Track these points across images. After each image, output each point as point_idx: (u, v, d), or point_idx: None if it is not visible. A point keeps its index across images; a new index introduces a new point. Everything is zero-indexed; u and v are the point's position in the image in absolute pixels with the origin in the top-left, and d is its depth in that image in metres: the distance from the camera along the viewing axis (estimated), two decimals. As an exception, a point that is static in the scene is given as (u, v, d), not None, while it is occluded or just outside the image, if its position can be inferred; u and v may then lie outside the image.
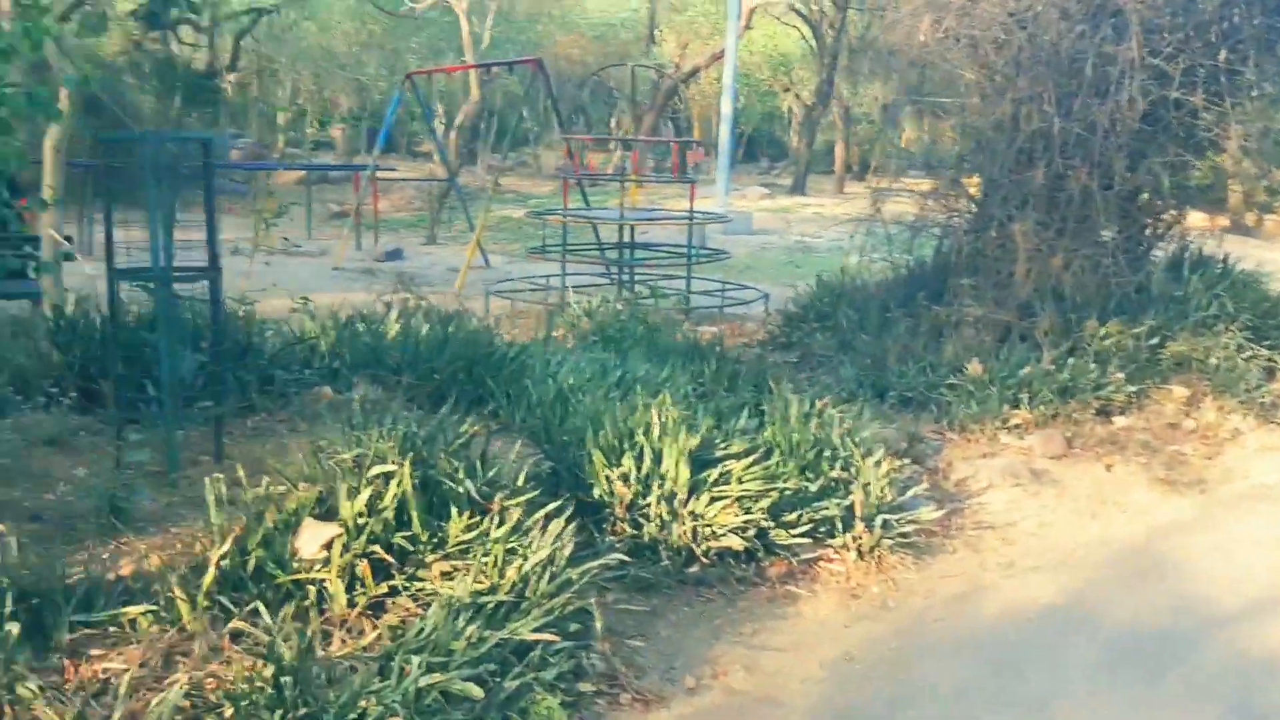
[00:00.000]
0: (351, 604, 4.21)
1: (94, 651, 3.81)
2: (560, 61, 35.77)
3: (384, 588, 4.26)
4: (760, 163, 48.78)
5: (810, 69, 36.31)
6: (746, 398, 6.96)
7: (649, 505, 5.16)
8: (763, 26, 35.54)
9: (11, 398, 5.85)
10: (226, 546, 4.09)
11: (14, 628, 3.62)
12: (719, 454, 5.46)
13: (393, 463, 4.44)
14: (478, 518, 4.45)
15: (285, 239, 12.61)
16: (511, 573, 4.19)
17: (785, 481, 5.48)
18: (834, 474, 5.77)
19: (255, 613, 4.05)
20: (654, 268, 12.86)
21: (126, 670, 3.67)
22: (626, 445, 5.33)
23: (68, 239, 10.87)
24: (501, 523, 4.53)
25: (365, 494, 4.30)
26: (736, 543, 5.14)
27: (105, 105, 25.11)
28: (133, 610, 3.94)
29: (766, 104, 43.39)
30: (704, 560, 5.13)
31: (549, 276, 13.26)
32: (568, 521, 4.55)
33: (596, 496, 5.21)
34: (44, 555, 4.14)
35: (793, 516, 5.42)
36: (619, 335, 8.08)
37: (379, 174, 19.51)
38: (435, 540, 4.39)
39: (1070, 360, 8.16)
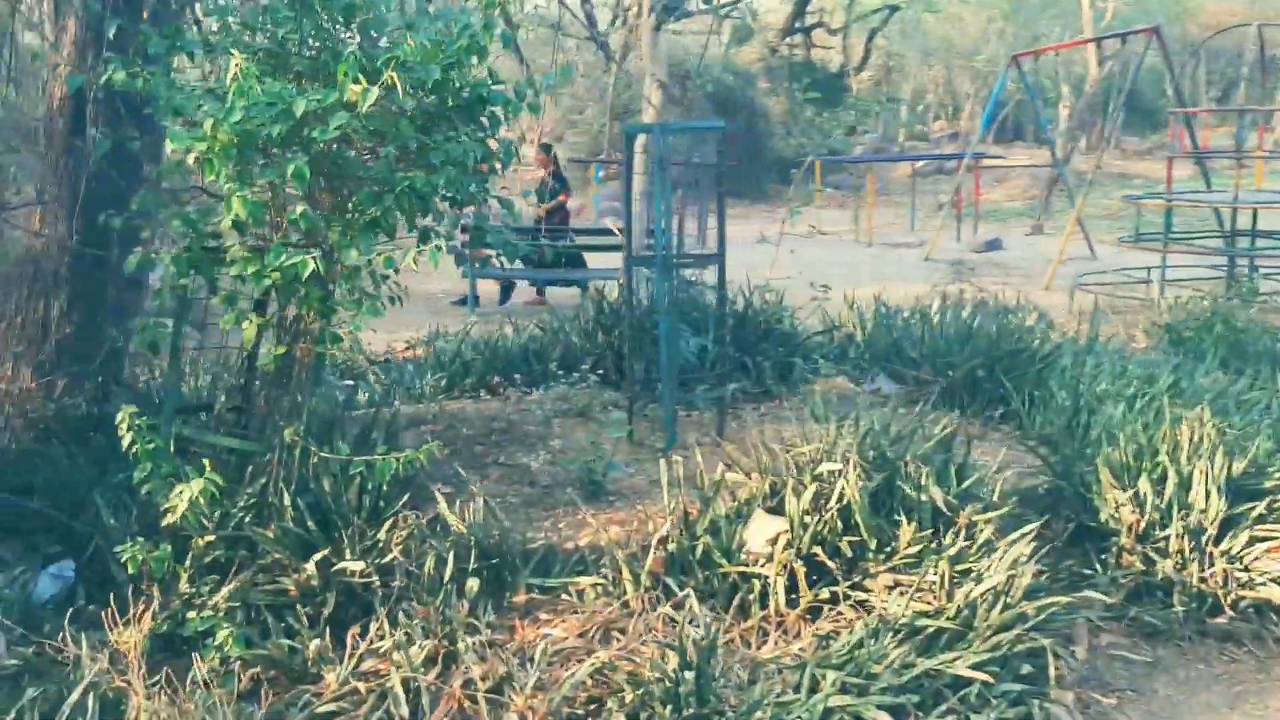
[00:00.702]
0: (793, 604, 4.02)
1: (543, 615, 4.01)
2: (1209, 31, 32.04)
3: (826, 593, 4.01)
4: None
5: None
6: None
7: (1167, 538, 4.34)
8: None
9: (554, 372, 6.41)
10: (665, 530, 4.10)
11: (474, 583, 3.92)
12: (1272, 485, 4.45)
13: (841, 460, 4.16)
14: (931, 530, 4.03)
15: (811, 226, 12.59)
16: (960, 597, 3.73)
17: (1365, 527, 4.32)
18: None
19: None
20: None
21: (565, 638, 3.83)
22: (1147, 465, 4.52)
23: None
24: (969, 539, 4.07)
25: (810, 492, 4.08)
26: (1278, 595, 4.15)
27: (737, 105, 27.04)
28: (583, 581, 4.08)
29: None
30: (1233, 612, 4.20)
31: (1150, 269, 11.92)
32: (1037, 545, 3.96)
33: (1102, 521, 4.49)
34: (520, 517, 4.45)
35: (1374, 572, 4.26)
36: (1195, 336, 6.96)
37: (982, 162, 18.85)
38: (888, 550, 4.04)
39: None
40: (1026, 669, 3.58)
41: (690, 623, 3.76)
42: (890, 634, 3.61)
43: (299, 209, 3.42)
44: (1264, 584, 4.19)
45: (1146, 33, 13.41)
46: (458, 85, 3.74)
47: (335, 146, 3.55)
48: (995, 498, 4.34)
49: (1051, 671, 3.55)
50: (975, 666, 3.51)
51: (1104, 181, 26.36)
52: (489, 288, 11.79)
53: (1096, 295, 11.07)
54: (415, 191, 3.57)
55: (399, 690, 3.42)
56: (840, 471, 4.08)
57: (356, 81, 3.31)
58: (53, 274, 5.46)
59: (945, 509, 4.18)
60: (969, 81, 39.50)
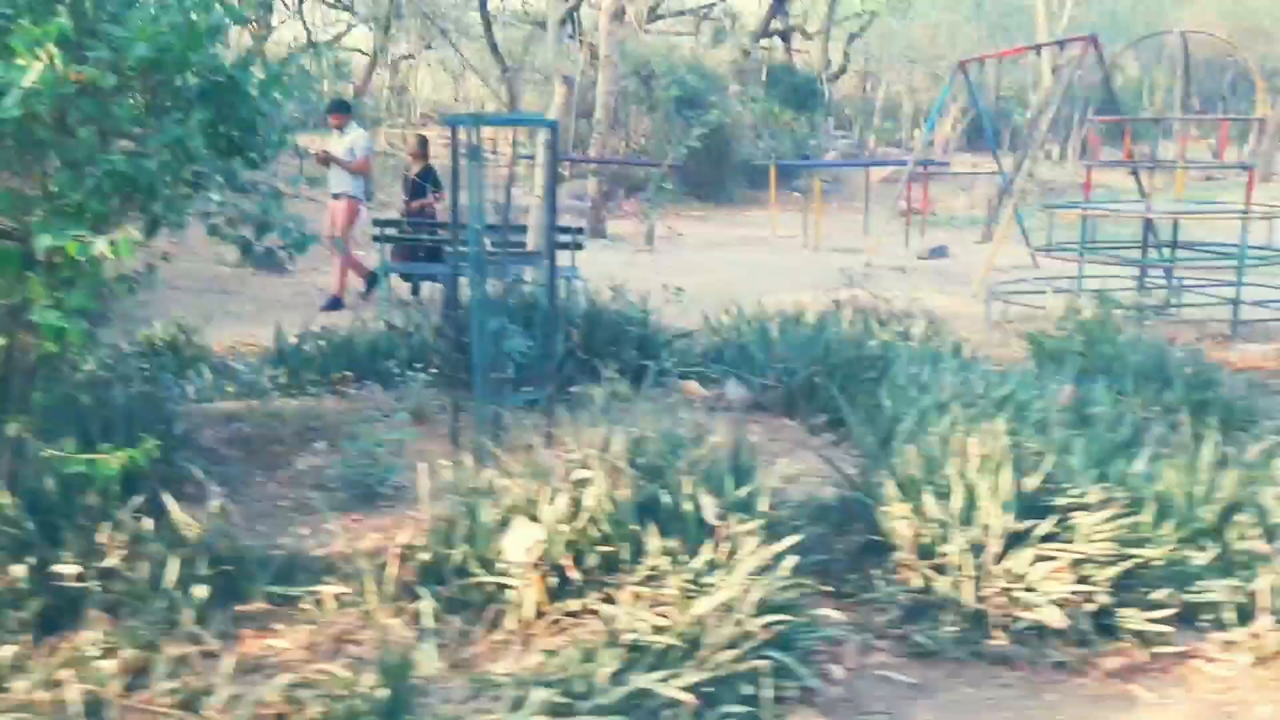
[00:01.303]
0: (542, 617, 3.85)
1: (277, 625, 3.83)
2: (1176, 42, 31.94)
3: (577, 605, 3.84)
4: None
5: None
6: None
7: (948, 554, 4.17)
8: None
9: (394, 370, 6.23)
10: (410, 537, 3.93)
11: (201, 590, 3.74)
12: (1064, 501, 4.28)
13: (604, 466, 3.99)
14: (694, 543, 3.86)
15: (669, 228, 12.44)
16: (694, 612, 3.56)
17: (1156, 548, 4.16)
18: (1245, 545, 4.29)
19: (443, 610, 3.87)
20: (1194, 270, 10.84)
21: (289, 649, 3.66)
22: (937, 478, 4.36)
23: (579, 230, 11.61)
24: (733, 552, 3.90)
25: (562, 500, 3.91)
26: (1055, 617, 3.98)
27: (704, 107, 26.82)
28: (325, 589, 3.91)
29: None
30: (1009, 633, 4.03)
31: (1074, 279, 11.77)
32: (781, 558, 3.80)
33: (886, 535, 4.33)
34: (283, 521, 4.27)
35: (1161, 595, 4.10)
36: (1058, 348, 6.80)
37: (930, 169, 18.70)
38: (641, 562, 3.88)
39: None
40: (749, 690, 3.41)
41: (420, 636, 3.63)
42: (612, 650, 3.43)
43: (-26, 192, 3.25)
44: (1042, 605, 4.02)
45: (1084, 41, 13.26)
46: (188, 66, 3.57)
47: (33, 126, 3.37)
48: (771, 509, 4.17)
49: (768, 694, 3.36)
50: (695, 685, 3.34)
51: (1068, 191, 26.27)
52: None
53: (1007, 304, 10.94)
54: (122, 175, 3.39)
55: (77, 701, 3.24)
56: (592, 479, 3.91)
57: (36, 58, 3.14)
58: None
59: (715, 520, 4.02)
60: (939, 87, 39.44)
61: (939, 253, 17.65)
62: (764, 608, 3.55)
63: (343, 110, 10.93)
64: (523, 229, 11.18)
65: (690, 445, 4.33)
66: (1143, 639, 4.01)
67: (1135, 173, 13.16)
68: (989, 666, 4.00)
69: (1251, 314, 10.29)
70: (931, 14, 33.20)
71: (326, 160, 10.50)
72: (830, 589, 4.32)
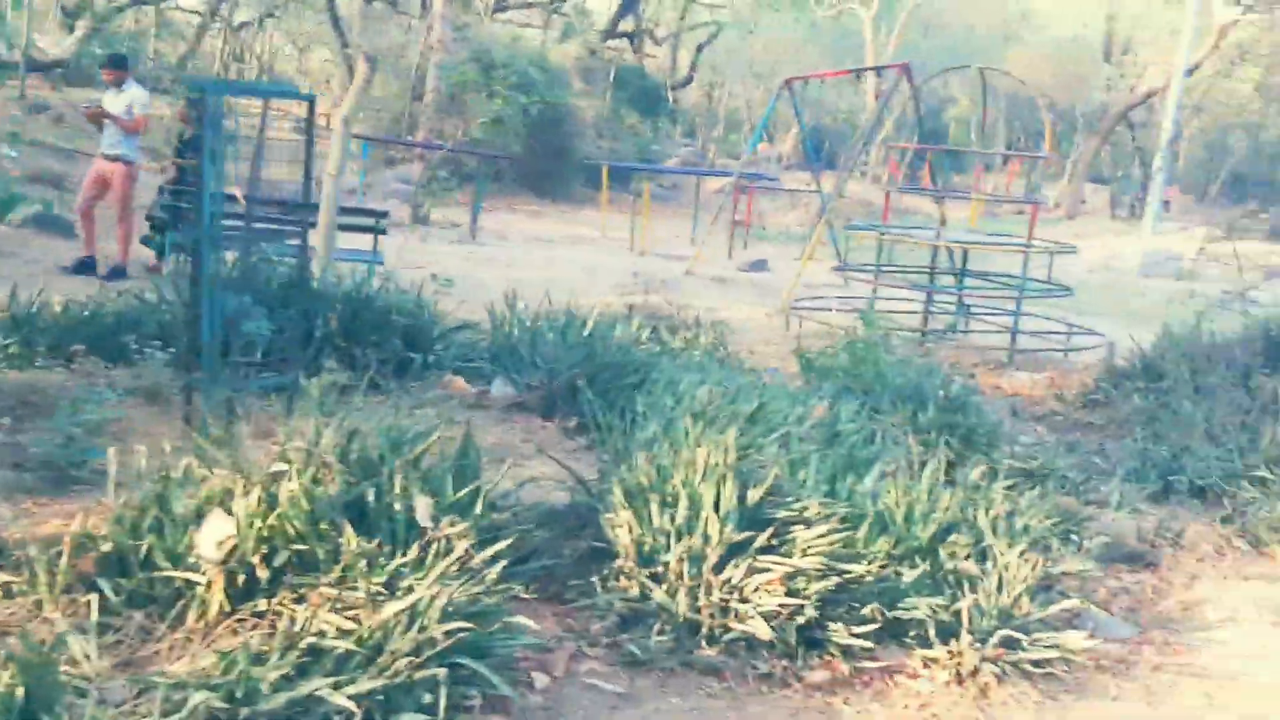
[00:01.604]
0: (229, 615, 3.64)
1: (-68, 615, 3.52)
2: (1005, 79, 33.34)
3: (264, 604, 3.64)
4: (1250, 204, 43.15)
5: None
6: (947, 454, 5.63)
7: (667, 563, 4.14)
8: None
9: (131, 345, 5.88)
10: (86, 525, 3.66)
11: None
12: (785, 515, 4.30)
13: (311, 460, 3.81)
14: (381, 543, 3.71)
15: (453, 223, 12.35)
16: (380, 617, 3.41)
17: (866, 564, 4.22)
18: (954, 565, 4.39)
19: (125, 605, 3.62)
20: (979, 298, 11.26)
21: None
22: (664, 487, 4.32)
23: (384, 214, 11.27)
24: (445, 554, 3.77)
25: (254, 495, 3.71)
26: (762, 629, 3.98)
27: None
28: (-10, 578, 3.61)
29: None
30: (719, 644, 4.02)
31: (870, 299, 12.08)
32: (492, 562, 3.69)
33: (609, 543, 4.27)
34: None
35: (867, 610, 4.15)
36: (828, 366, 6.91)
37: (749, 182, 18.98)
38: (338, 562, 3.71)
39: None
40: (429, 698, 3.28)
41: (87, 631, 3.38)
42: (287, 653, 3.25)
43: None
44: (754, 617, 4.02)
45: (898, 69, 13.65)
46: None
47: None
48: (498, 512, 4.07)
49: (442, 701, 3.24)
50: (372, 692, 3.19)
51: (890, 216, 27.10)
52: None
53: (802, 319, 11.15)
54: None
55: None
56: (287, 473, 3.73)
57: None
58: None
59: (427, 521, 3.88)
60: (787, 104, 40.23)
61: (759, 266, 17.92)
62: (456, 613, 3.43)
63: (119, 65, 10.31)
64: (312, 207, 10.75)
65: (413, 443, 4.17)
66: (847, 653, 4.06)
67: (939, 200, 13.60)
68: (698, 676, 3.97)
69: (1029, 343, 10.73)
70: (775, 30, 33.80)
71: (99, 118, 9.92)
72: (551, 595, 4.25)
